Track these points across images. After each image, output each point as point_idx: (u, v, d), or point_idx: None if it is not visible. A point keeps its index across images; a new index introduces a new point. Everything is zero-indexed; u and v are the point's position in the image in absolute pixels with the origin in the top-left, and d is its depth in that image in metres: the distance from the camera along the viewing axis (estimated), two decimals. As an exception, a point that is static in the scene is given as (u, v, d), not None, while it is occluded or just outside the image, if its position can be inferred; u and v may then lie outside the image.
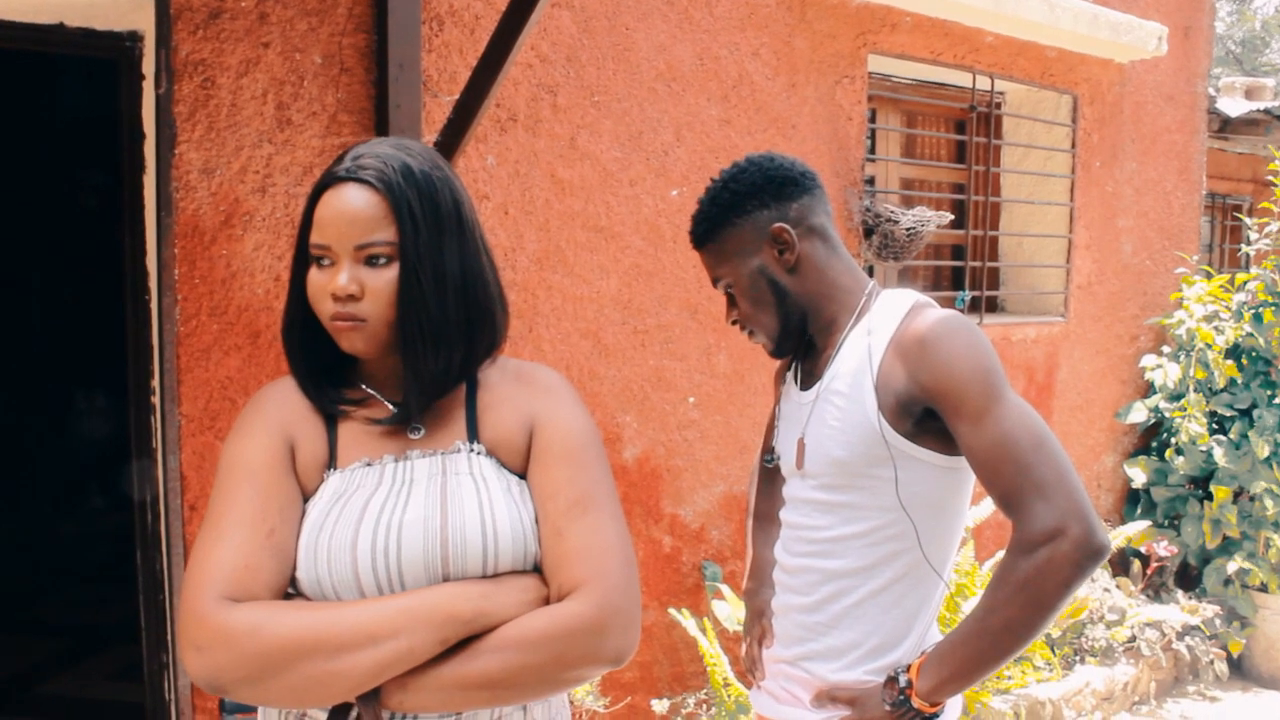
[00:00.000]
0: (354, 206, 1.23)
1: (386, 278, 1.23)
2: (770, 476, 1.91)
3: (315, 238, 1.25)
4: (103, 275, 4.78)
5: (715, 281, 1.76)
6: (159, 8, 2.39)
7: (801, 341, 1.75)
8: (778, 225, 1.68)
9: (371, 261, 1.23)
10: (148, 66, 2.48)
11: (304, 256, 1.28)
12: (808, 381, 1.75)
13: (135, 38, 2.49)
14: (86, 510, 6.13)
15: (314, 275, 1.26)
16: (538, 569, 1.25)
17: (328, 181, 1.26)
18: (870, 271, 4.55)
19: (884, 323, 1.62)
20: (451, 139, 2.61)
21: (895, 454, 1.57)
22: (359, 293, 1.23)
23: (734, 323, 1.77)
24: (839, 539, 1.65)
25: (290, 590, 1.20)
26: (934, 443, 1.57)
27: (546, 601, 1.22)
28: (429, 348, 1.26)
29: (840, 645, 1.66)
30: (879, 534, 1.62)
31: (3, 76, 5.29)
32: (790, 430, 1.76)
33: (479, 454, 1.29)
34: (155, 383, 2.51)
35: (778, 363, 1.93)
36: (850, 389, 1.61)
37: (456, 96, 2.67)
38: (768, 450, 1.87)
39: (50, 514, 6.04)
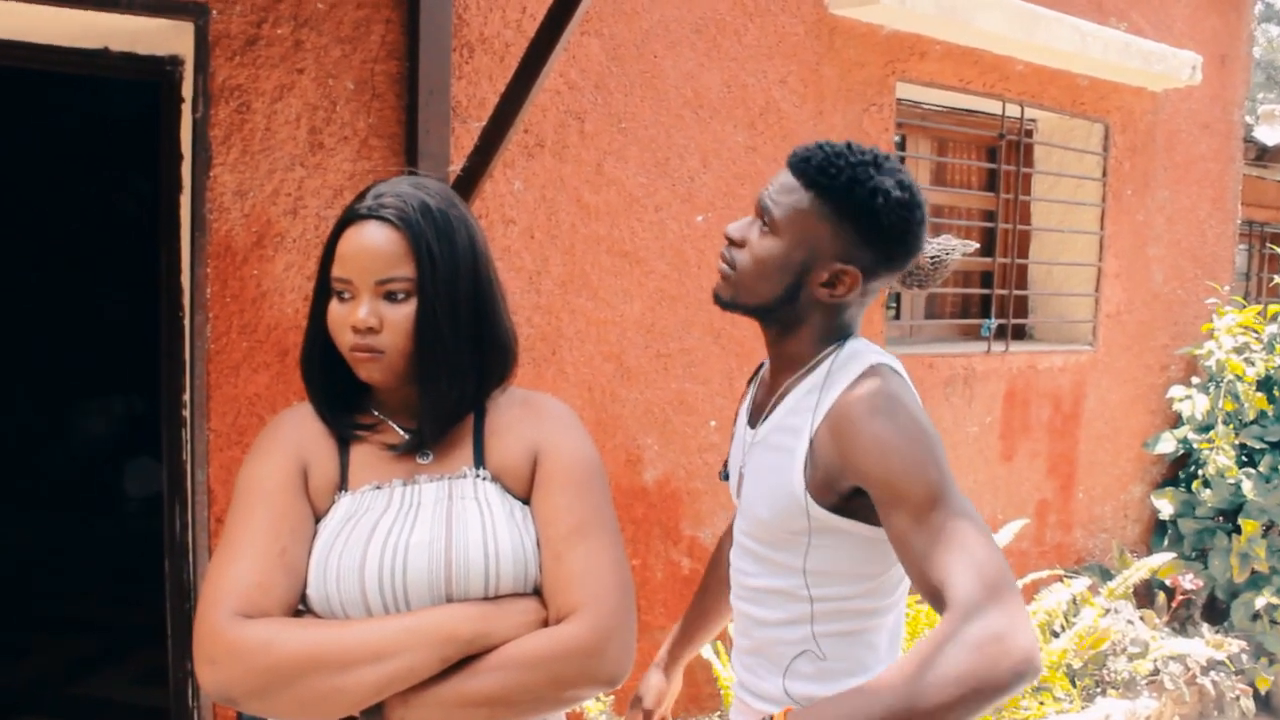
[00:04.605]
0: (375, 243, 1.28)
1: (404, 312, 1.29)
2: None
3: (337, 271, 1.31)
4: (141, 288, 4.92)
5: (762, 199, 1.53)
6: (198, 34, 2.47)
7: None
8: (852, 269, 1.49)
9: (391, 296, 1.29)
10: (186, 90, 2.56)
11: (325, 288, 1.33)
12: (754, 417, 1.65)
13: (176, 62, 2.57)
14: (121, 513, 6.29)
15: (335, 307, 1.32)
16: (538, 592, 1.29)
17: (350, 218, 1.31)
18: (898, 298, 4.56)
19: (832, 384, 1.49)
20: (479, 164, 2.67)
21: (814, 526, 1.48)
22: (378, 326, 1.29)
23: (728, 238, 1.57)
24: (764, 590, 1.59)
25: (301, 607, 1.25)
26: (865, 515, 1.44)
27: (545, 624, 1.26)
28: (444, 379, 1.31)
29: (774, 694, 1.57)
30: (800, 594, 1.54)
31: (61, 93, 5.48)
32: (735, 458, 1.70)
33: (484, 479, 1.34)
34: (186, 397, 2.59)
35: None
36: (785, 448, 1.52)
37: (485, 122, 2.73)
38: (725, 462, 1.79)
39: (88, 515, 6.20)
